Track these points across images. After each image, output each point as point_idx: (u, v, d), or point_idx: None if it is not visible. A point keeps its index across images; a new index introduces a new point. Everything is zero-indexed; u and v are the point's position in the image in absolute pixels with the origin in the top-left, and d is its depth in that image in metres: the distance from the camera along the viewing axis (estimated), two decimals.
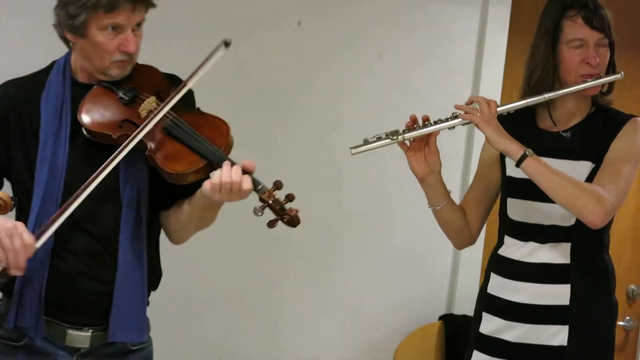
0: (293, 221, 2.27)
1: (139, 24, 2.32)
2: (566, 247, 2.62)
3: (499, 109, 2.59)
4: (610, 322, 2.69)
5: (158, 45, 2.76)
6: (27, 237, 2.14)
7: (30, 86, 2.40)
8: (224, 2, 3.49)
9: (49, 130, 2.32)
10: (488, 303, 2.74)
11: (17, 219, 2.31)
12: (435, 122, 2.59)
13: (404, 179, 3.67)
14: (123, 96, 2.36)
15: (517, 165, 2.52)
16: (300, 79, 3.61)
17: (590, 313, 2.62)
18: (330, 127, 3.65)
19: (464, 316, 3.77)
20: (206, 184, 2.22)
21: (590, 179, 2.59)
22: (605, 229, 2.65)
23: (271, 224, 2.27)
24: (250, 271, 3.57)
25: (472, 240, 2.86)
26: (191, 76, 2.30)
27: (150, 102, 2.36)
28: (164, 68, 2.47)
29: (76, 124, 2.33)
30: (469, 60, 3.84)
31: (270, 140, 3.54)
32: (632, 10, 4.04)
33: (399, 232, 3.75)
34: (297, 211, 2.27)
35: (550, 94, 2.61)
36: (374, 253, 3.75)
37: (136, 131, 2.26)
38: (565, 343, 2.60)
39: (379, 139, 2.59)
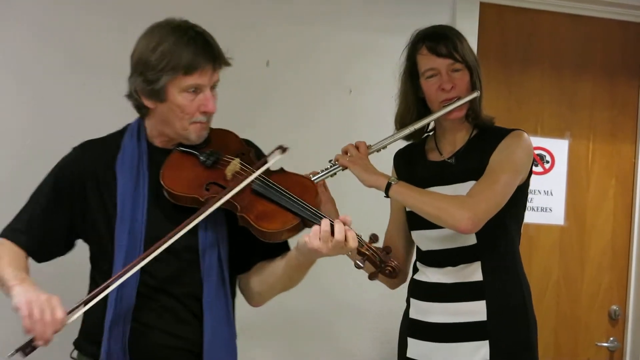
0: (394, 271, 2.28)
1: (214, 85, 2.33)
2: (477, 265, 2.68)
3: (371, 148, 2.71)
4: (529, 335, 2.72)
5: None
6: (59, 312, 2.10)
7: (106, 148, 2.40)
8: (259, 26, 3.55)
9: (127, 193, 2.32)
10: (411, 328, 2.79)
11: (95, 280, 2.34)
12: (318, 174, 2.67)
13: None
14: (206, 159, 2.35)
15: (386, 195, 2.63)
16: (274, 115, 3.62)
17: (507, 326, 2.67)
18: (305, 159, 3.64)
19: None
20: (312, 242, 2.19)
21: None
22: (512, 242, 2.73)
23: (373, 277, 2.30)
24: None
25: (402, 278, 2.89)
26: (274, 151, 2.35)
27: (235, 164, 2.35)
28: None
29: (154, 187, 2.33)
30: None
31: None
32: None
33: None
34: (396, 262, 2.29)
35: (415, 126, 2.75)
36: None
37: (226, 191, 2.26)
38: (487, 357, 2.64)
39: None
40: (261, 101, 3.59)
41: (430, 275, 2.76)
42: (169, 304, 2.30)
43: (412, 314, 2.80)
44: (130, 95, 2.36)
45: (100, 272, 2.34)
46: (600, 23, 4.13)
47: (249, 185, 2.30)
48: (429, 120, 2.76)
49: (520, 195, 2.70)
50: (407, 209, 2.78)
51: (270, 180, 2.33)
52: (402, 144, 2.93)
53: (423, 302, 2.76)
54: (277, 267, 2.36)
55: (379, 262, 2.26)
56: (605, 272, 4.16)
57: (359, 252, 2.26)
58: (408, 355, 2.79)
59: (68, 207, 2.38)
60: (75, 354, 2.42)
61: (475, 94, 2.71)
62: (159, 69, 2.24)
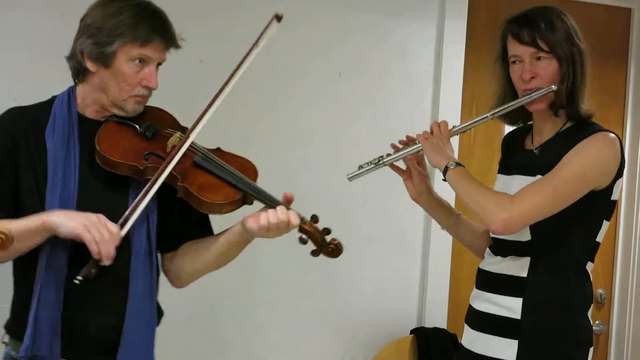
0: (336, 250, 2.36)
1: (160, 64, 2.35)
2: (525, 261, 2.57)
3: (454, 129, 2.65)
4: (569, 352, 2.58)
5: None
6: (113, 226, 2.16)
7: (35, 115, 2.36)
8: (193, 25, 3.45)
9: (58, 159, 2.28)
10: (467, 313, 2.76)
11: (21, 257, 2.28)
12: (399, 150, 2.68)
13: (367, 197, 3.74)
14: (145, 131, 2.34)
15: (444, 179, 2.59)
16: (262, 96, 3.61)
17: (542, 331, 2.53)
18: (294, 142, 3.69)
19: (435, 328, 3.79)
20: (253, 224, 2.25)
21: None
22: (571, 251, 2.56)
23: (315, 253, 2.35)
24: (234, 283, 3.56)
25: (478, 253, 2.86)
26: (229, 79, 2.39)
27: (176, 136, 2.34)
28: None
29: (86, 156, 2.31)
30: (428, 74, 3.87)
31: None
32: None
33: (367, 248, 3.76)
34: (339, 241, 2.36)
35: (492, 112, 2.66)
36: (345, 269, 3.76)
37: (170, 156, 2.25)
38: (514, 358, 2.52)
39: (369, 164, 2.68)
40: (252, 82, 3.56)
41: (486, 262, 2.70)
42: (98, 278, 2.21)
43: (470, 300, 2.75)
44: (71, 57, 2.35)
45: None
46: (587, 8, 4.14)
47: (190, 156, 2.30)
48: (508, 109, 2.63)
49: (595, 205, 2.53)
50: None
51: (212, 155, 2.35)
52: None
53: (475, 288, 2.72)
54: (214, 244, 2.38)
55: (321, 241, 2.34)
56: None
57: (302, 230, 2.32)
58: (462, 342, 2.74)
59: (10, 169, 2.31)
60: (6, 338, 2.37)
61: (551, 88, 2.53)
62: (115, 34, 2.25)
